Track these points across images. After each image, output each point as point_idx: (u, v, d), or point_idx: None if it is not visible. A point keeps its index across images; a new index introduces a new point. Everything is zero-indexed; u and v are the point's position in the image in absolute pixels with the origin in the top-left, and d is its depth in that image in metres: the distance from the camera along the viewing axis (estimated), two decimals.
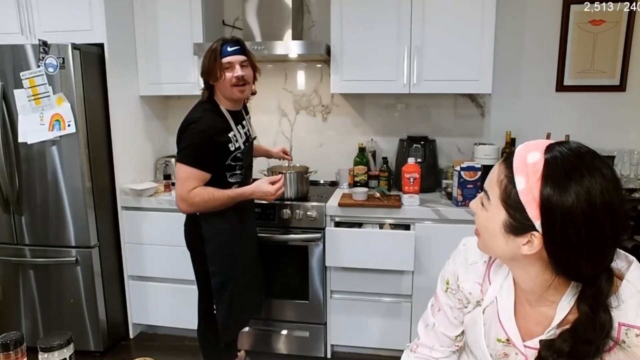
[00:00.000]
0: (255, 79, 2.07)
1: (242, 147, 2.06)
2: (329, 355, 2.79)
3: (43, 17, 2.72)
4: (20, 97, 2.55)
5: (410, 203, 2.57)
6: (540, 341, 0.88)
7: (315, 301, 2.70)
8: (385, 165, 2.96)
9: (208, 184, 1.94)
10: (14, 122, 2.58)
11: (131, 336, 3.05)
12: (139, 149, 3.08)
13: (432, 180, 2.90)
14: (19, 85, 2.53)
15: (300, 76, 3.24)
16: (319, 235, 2.59)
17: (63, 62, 2.50)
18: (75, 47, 2.52)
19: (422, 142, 2.88)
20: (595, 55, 2.85)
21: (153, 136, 3.24)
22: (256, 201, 2.60)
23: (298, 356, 2.79)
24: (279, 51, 2.70)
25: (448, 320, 1.12)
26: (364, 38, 2.71)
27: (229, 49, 1.92)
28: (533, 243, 0.81)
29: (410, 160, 2.60)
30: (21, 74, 2.52)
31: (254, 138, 2.30)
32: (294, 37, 2.85)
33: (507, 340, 0.96)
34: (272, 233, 2.64)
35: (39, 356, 1.04)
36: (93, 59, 2.68)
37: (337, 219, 2.62)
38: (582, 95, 2.92)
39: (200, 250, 2.09)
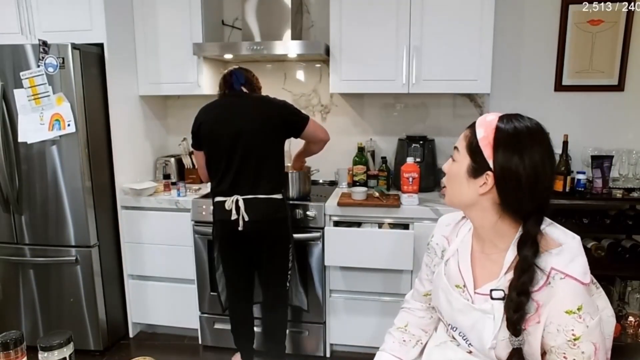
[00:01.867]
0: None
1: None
2: (328, 354, 2.80)
3: (43, 17, 2.72)
4: (20, 96, 2.55)
5: (409, 202, 2.58)
6: (491, 290, 1.08)
7: (314, 300, 2.70)
8: (384, 165, 2.97)
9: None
10: (14, 122, 2.59)
11: (131, 335, 3.05)
12: (138, 148, 3.08)
13: (430, 179, 2.91)
14: (19, 85, 2.54)
15: (300, 76, 3.24)
16: (318, 234, 2.60)
17: (63, 62, 2.50)
18: (75, 47, 2.53)
19: (421, 142, 2.89)
20: (593, 55, 2.86)
21: (153, 136, 3.24)
22: None
23: (297, 355, 2.79)
24: (278, 51, 2.71)
25: (422, 276, 1.40)
26: (363, 38, 2.72)
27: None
28: (487, 182, 1.06)
29: (409, 160, 2.61)
30: (21, 73, 2.52)
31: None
32: (293, 37, 2.85)
33: (464, 285, 1.16)
34: None
35: (39, 355, 1.05)
36: (93, 58, 2.69)
37: (336, 219, 2.63)
38: (580, 95, 2.93)
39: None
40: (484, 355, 1.13)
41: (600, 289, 1.21)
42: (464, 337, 1.17)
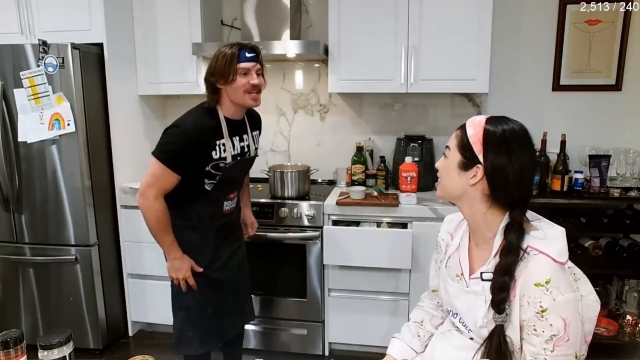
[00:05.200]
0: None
1: (229, 159, 1.91)
2: (326, 353, 2.81)
3: (43, 17, 2.73)
4: (20, 96, 2.56)
5: (408, 202, 2.59)
6: (481, 272, 1.18)
7: (313, 299, 2.72)
8: (382, 164, 2.98)
9: (183, 186, 1.86)
10: (13, 122, 2.60)
11: (130, 334, 3.06)
12: (138, 148, 3.09)
13: (429, 179, 2.91)
14: (18, 84, 2.54)
15: (298, 76, 3.25)
16: (316, 233, 2.61)
17: (62, 62, 2.51)
18: (74, 46, 2.53)
19: (420, 141, 2.90)
20: (591, 55, 2.86)
21: (152, 135, 3.24)
22: (253, 200, 2.63)
23: (296, 354, 2.80)
24: (277, 51, 2.71)
25: (431, 272, 1.50)
26: (361, 38, 2.73)
27: (247, 55, 1.83)
28: (477, 174, 1.16)
29: (408, 159, 2.62)
30: (21, 73, 2.53)
31: (254, 156, 2.12)
32: (292, 37, 2.86)
33: (462, 274, 1.27)
34: (270, 231, 2.66)
35: (39, 354, 1.06)
36: (92, 58, 2.69)
37: (334, 218, 2.64)
38: (578, 95, 2.93)
39: None
40: (480, 338, 1.20)
41: (584, 278, 1.27)
42: (464, 323, 1.25)
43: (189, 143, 1.80)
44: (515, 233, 1.13)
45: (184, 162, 1.81)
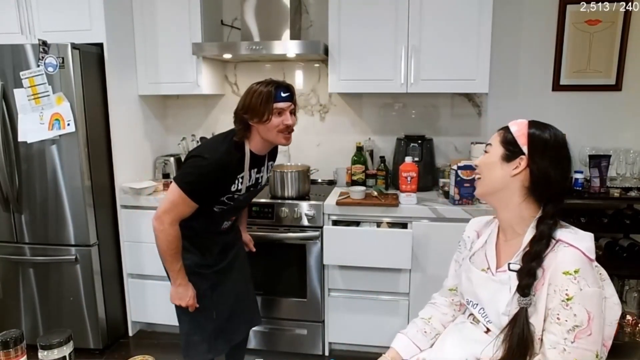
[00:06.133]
0: None
1: (244, 191, 1.93)
2: (326, 353, 2.81)
3: (43, 17, 2.73)
4: (20, 96, 2.56)
5: (408, 202, 2.59)
6: (509, 263, 1.22)
7: (313, 299, 2.72)
8: (382, 164, 2.98)
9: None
10: (13, 121, 2.60)
11: (130, 334, 3.06)
12: (138, 147, 3.09)
13: (429, 179, 2.92)
14: (18, 84, 2.54)
15: (298, 76, 3.25)
16: (316, 233, 2.61)
17: (62, 62, 2.51)
18: (74, 46, 2.53)
19: (420, 141, 2.90)
20: (591, 55, 2.86)
21: (152, 135, 3.25)
22: (254, 200, 2.63)
23: (296, 354, 2.80)
24: (277, 51, 2.71)
25: (450, 272, 1.53)
26: (361, 38, 2.73)
27: (283, 95, 1.81)
28: (520, 164, 1.21)
29: (408, 159, 2.62)
30: (21, 73, 2.53)
31: (264, 186, 2.14)
32: (292, 37, 2.86)
33: (488, 268, 1.30)
34: (270, 231, 2.66)
35: (39, 354, 1.06)
36: (92, 58, 2.69)
37: (334, 218, 2.64)
38: (578, 95, 2.94)
39: None
40: (498, 328, 1.22)
41: (609, 280, 1.29)
42: (483, 313, 1.28)
43: (213, 177, 1.79)
44: (548, 224, 1.18)
45: (204, 193, 1.81)
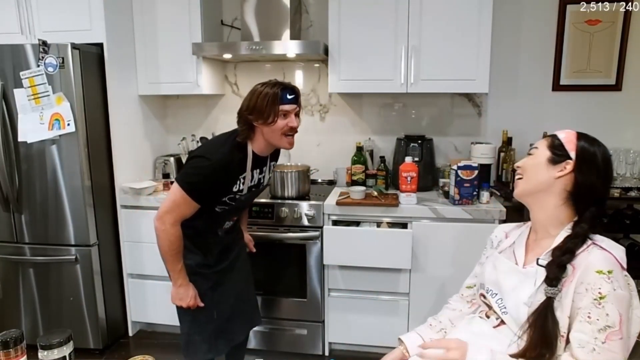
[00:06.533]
0: None
1: (246, 191, 1.93)
2: (326, 353, 2.81)
3: (43, 17, 2.73)
4: (20, 96, 2.56)
5: (408, 202, 2.58)
6: (538, 258, 1.24)
7: (313, 299, 2.72)
8: (382, 164, 2.98)
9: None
10: (13, 121, 2.60)
11: (130, 334, 3.06)
12: (138, 148, 3.09)
13: (429, 179, 2.92)
14: (18, 84, 2.54)
15: (298, 76, 3.25)
16: (316, 233, 2.61)
17: (62, 62, 2.51)
18: (74, 46, 2.53)
19: (420, 141, 2.90)
20: (591, 55, 2.86)
21: (152, 135, 3.25)
22: (255, 200, 2.63)
23: (296, 354, 2.81)
24: (277, 51, 2.71)
25: (472, 273, 1.57)
26: (361, 38, 2.73)
27: (289, 97, 1.81)
28: (566, 168, 1.25)
29: (408, 159, 2.62)
30: (21, 73, 2.53)
31: (266, 186, 2.14)
32: (292, 37, 2.86)
33: (515, 264, 1.32)
34: (270, 231, 2.66)
35: (39, 354, 1.06)
36: (92, 58, 2.69)
37: (334, 218, 2.64)
38: (578, 95, 2.94)
39: None
40: (512, 319, 1.24)
41: (636, 292, 1.28)
42: (501, 303, 1.29)
43: (215, 177, 1.79)
44: (584, 227, 1.21)
45: (205, 193, 1.81)
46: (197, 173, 1.79)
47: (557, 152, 1.27)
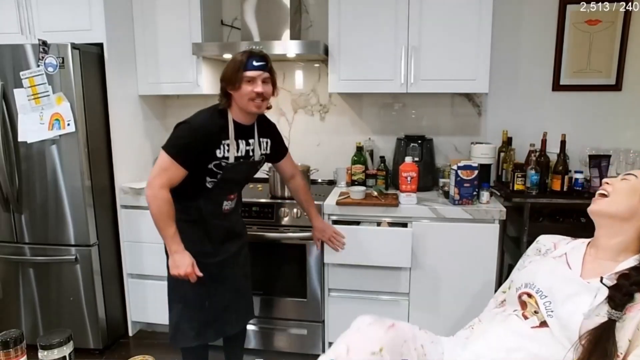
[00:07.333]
0: (273, 95, 2.02)
1: (232, 160, 1.96)
2: None
3: (43, 17, 2.73)
4: (20, 96, 2.56)
5: (408, 202, 2.58)
6: (602, 277, 1.26)
7: (313, 299, 2.72)
8: (382, 164, 2.98)
9: (186, 181, 1.92)
10: (13, 121, 2.60)
11: (130, 334, 3.06)
12: (138, 148, 3.09)
13: (429, 179, 2.92)
14: (18, 84, 2.54)
15: (298, 76, 3.25)
16: None
17: (62, 62, 2.51)
18: (74, 46, 2.53)
19: (420, 141, 2.90)
20: (591, 55, 2.86)
21: (152, 135, 3.25)
22: (254, 200, 2.64)
23: (296, 354, 2.81)
24: (277, 51, 2.71)
25: (509, 279, 1.63)
26: (361, 38, 2.73)
27: (255, 64, 1.88)
28: None
29: (408, 159, 2.62)
30: (21, 73, 2.53)
31: (258, 162, 2.13)
32: (292, 37, 2.86)
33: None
34: (270, 231, 2.66)
35: (39, 354, 1.06)
36: (92, 58, 2.69)
37: (334, 218, 2.64)
38: (578, 95, 2.94)
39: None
40: (558, 325, 1.26)
41: None
42: (549, 306, 1.31)
43: (196, 139, 1.88)
44: None
45: (190, 156, 1.88)
46: (180, 136, 1.91)
47: None
